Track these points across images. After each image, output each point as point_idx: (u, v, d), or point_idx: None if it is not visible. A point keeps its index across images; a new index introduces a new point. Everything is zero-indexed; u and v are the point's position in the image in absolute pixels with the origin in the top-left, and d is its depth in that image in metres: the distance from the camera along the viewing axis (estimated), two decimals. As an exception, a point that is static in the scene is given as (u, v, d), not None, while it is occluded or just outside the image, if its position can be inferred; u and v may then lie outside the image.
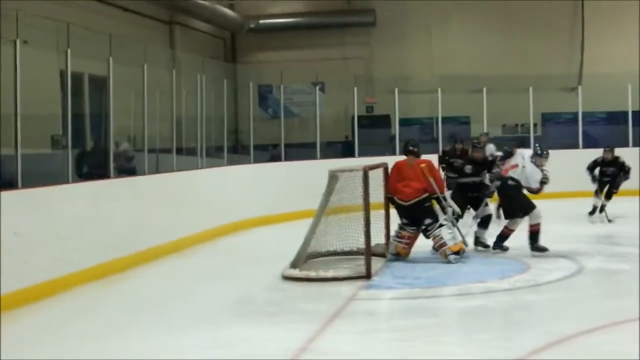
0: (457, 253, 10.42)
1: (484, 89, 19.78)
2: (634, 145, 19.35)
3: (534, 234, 10.86)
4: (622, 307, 7.93)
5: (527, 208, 10.89)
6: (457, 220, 11.32)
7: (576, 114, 20.25)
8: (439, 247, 10.43)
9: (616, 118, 20.49)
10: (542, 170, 11.00)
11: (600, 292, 9.00)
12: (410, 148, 10.99)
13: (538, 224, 10.84)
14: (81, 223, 9.68)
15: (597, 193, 14.98)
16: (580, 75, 22.53)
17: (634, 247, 11.36)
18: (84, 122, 14.27)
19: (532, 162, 11.03)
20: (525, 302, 8.52)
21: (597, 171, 14.93)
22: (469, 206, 12.19)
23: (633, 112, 19.90)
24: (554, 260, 10.32)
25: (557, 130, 21.24)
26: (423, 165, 10.66)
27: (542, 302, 8.53)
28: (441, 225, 10.49)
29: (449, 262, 10.31)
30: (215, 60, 21.15)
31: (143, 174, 12.43)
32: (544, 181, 10.95)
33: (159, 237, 11.47)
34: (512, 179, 11.01)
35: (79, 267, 9.47)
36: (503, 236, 11.13)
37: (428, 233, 10.51)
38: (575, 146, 19.79)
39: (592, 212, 15.08)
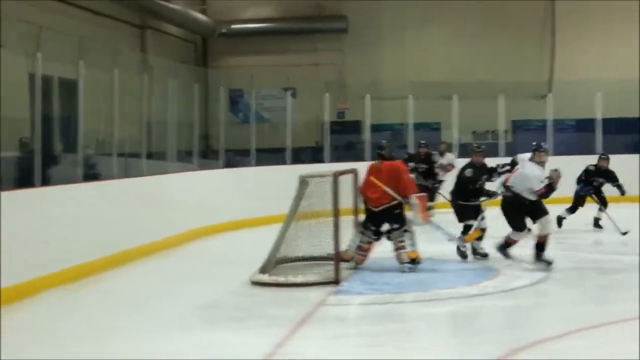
0: (413, 261, 10.25)
1: (455, 96, 19.86)
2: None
3: (539, 245, 10.36)
4: (589, 312, 8.00)
5: (534, 214, 10.34)
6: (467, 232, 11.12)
7: (546, 121, 20.38)
8: (397, 249, 10.32)
9: (585, 125, 20.60)
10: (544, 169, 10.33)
11: (567, 298, 9.01)
12: (378, 151, 10.96)
13: (546, 235, 10.31)
14: (50, 227, 9.60)
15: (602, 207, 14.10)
16: (550, 83, 22.70)
17: (605, 254, 11.45)
18: (53, 125, 14.16)
19: (531, 161, 10.51)
20: (493, 308, 8.57)
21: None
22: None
23: (602, 119, 20.05)
24: (523, 267, 10.35)
25: (528, 137, 21.30)
26: (386, 170, 10.50)
27: (510, 308, 8.57)
28: (406, 231, 10.34)
29: (402, 270, 10.20)
30: (187, 65, 21.11)
31: (112, 177, 12.35)
32: (550, 180, 10.18)
33: (128, 242, 11.40)
34: (509, 188, 10.45)
35: (47, 271, 9.40)
36: (506, 244, 10.61)
37: (391, 236, 10.41)
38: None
39: (596, 224, 14.34)
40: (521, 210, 10.38)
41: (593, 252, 12.13)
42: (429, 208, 14.73)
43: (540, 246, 10.33)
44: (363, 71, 22.93)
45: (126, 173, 13.19)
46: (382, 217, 10.43)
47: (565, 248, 12.05)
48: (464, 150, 16.36)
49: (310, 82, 21.35)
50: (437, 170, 16.10)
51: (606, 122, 20.02)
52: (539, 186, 10.21)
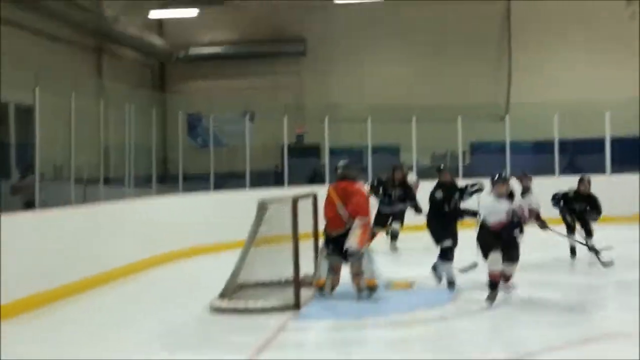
0: (370, 289, 10.02)
1: (414, 118, 19.96)
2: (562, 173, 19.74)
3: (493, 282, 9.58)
4: (544, 336, 8.04)
5: (506, 254, 9.50)
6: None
7: (504, 142, 20.55)
8: (354, 275, 10.06)
9: (543, 147, 20.79)
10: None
11: (525, 320, 8.98)
12: (336, 170, 10.60)
13: (509, 276, 9.77)
14: (4, 256, 9.46)
15: (569, 232, 12.90)
16: (507, 104, 22.93)
17: (564, 274, 11.51)
18: (9, 151, 14.04)
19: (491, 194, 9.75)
20: (453, 330, 8.56)
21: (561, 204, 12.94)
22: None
23: (559, 141, 20.26)
24: (482, 289, 10.27)
25: (486, 159, 21.48)
26: (340, 189, 10.22)
27: (470, 331, 8.57)
28: (362, 255, 10.01)
29: (359, 297, 10.03)
30: (144, 89, 21.03)
31: (70, 204, 12.21)
32: (516, 216, 9.48)
33: (86, 269, 11.29)
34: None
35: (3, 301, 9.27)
36: (491, 283, 9.59)
37: (348, 261, 10.09)
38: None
39: (573, 253, 13.14)
40: (497, 241, 9.47)
41: (557, 274, 12.13)
42: (394, 236, 14.79)
43: (493, 283, 9.53)
44: (321, 94, 23.03)
45: (84, 199, 13.06)
46: (339, 242, 10.11)
47: (527, 269, 12.00)
48: (422, 173, 16.34)
49: (269, 105, 21.35)
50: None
51: (563, 143, 20.24)
52: (503, 218, 9.47)
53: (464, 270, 10.82)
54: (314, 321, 9.04)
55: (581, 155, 20.65)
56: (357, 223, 9.91)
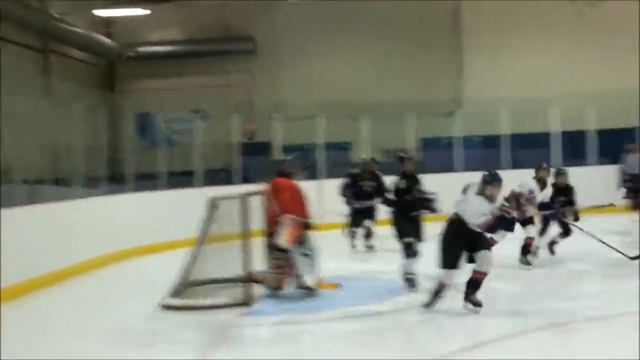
0: (307, 289, 9.89)
1: (364, 115, 20.04)
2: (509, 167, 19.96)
3: (472, 282, 8.75)
4: (499, 324, 8.14)
5: (474, 247, 8.68)
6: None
7: (455, 138, 20.72)
8: (285, 274, 9.88)
9: (492, 142, 21.00)
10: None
11: (484, 310, 8.85)
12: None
13: (483, 273, 8.70)
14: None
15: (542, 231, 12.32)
16: (458, 100, 23.09)
17: (514, 267, 11.64)
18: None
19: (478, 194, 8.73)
20: (405, 323, 8.62)
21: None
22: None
23: (507, 135, 20.49)
24: (435, 280, 10.22)
25: (437, 154, 21.64)
26: (273, 186, 10.06)
27: (423, 323, 8.64)
28: (306, 255, 9.87)
29: (299, 296, 9.87)
30: (93, 89, 20.84)
31: (16, 205, 12.08)
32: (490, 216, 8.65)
33: (34, 269, 11.17)
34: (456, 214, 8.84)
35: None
36: (436, 292, 8.87)
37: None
38: (455, 169, 20.21)
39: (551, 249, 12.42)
40: (460, 240, 8.66)
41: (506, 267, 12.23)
42: (368, 234, 14.17)
43: (472, 284, 8.72)
44: (272, 92, 23.02)
45: (31, 200, 12.92)
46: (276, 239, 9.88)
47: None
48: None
49: (219, 103, 21.30)
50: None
51: (513, 138, 20.46)
52: (480, 219, 8.62)
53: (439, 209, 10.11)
54: (264, 316, 9.05)
55: (528, 149, 20.86)
56: (283, 220, 9.76)
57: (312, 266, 9.99)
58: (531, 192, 11.58)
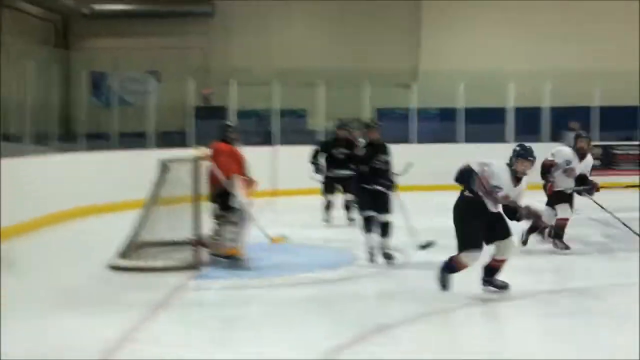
0: (229, 257, 9.69)
1: (321, 83, 20.00)
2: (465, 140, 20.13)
3: (491, 269, 8.03)
4: (443, 297, 8.20)
5: (494, 232, 7.85)
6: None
7: (411, 109, 20.77)
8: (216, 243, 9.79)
9: (448, 115, 21.10)
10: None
11: (427, 281, 8.99)
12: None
13: (503, 260, 7.94)
14: None
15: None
16: (416, 72, 23.10)
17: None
18: None
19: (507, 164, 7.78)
20: (352, 292, 8.62)
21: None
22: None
23: (465, 109, 20.61)
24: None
25: (392, 126, 21.68)
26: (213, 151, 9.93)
27: (369, 293, 8.72)
28: (230, 223, 9.70)
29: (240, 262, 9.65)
30: (46, 46, 20.50)
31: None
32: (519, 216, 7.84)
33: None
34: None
35: None
36: (449, 267, 8.02)
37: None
38: (409, 141, 20.28)
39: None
40: (481, 218, 7.75)
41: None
42: (346, 206, 13.32)
43: (491, 271, 8.00)
44: (229, 56, 22.84)
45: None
46: (216, 202, 9.81)
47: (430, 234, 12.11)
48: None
49: (175, 66, 21.11)
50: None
51: (468, 112, 20.58)
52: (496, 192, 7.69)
53: (422, 247, 9.75)
54: (213, 280, 9.03)
55: (484, 124, 21.01)
56: (230, 182, 9.64)
57: (239, 234, 9.74)
58: (568, 162, 10.26)
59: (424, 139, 20.25)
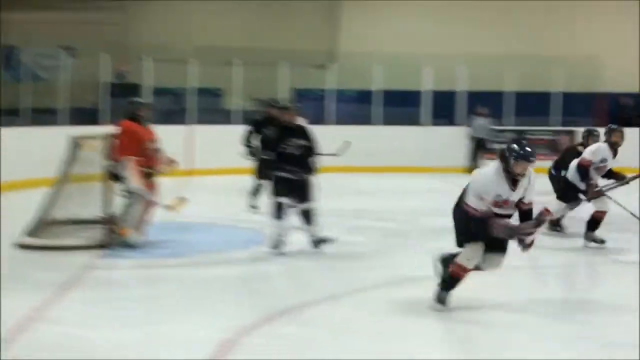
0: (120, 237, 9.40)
1: (237, 61, 19.88)
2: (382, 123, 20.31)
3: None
4: (352, 279, 8.26)
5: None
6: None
7: (328, 90, 20.83)
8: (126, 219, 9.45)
9: (366, 97, 21.21)
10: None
11: (344, 264, 8.99)
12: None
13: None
14: None
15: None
16: (334, 53, 23.12)
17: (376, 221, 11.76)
18: None
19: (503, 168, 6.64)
20: (264, 272, 8.64)
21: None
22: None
23: (382, 91, 20.75)
24: (294, 232, 9.65)
25: (309, 106, 21.70)
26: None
27: (282, 273, 8.73)
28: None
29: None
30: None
31: None
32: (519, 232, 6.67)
33: None
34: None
35: None
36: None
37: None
38: (326, 122, 20.33)
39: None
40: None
41: (367, 219, 12.44)
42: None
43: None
44: (146, 33, 22.48)
45: None
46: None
47: (341, 215, 12.11)
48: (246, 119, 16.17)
49: (90, 41, 20.69)
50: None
51: (386, 94, 20.72)
52: (472, 202, 6.56)
53: (316, 244, 9.41)
54: (123, 259, 8.96)
55: (400, 107, 21.21)
56: (121, 165, 9.37)
57: (128, 215, 9.47)
58: (603, 160, 9.79)
59: (341, 120, 20.35)
